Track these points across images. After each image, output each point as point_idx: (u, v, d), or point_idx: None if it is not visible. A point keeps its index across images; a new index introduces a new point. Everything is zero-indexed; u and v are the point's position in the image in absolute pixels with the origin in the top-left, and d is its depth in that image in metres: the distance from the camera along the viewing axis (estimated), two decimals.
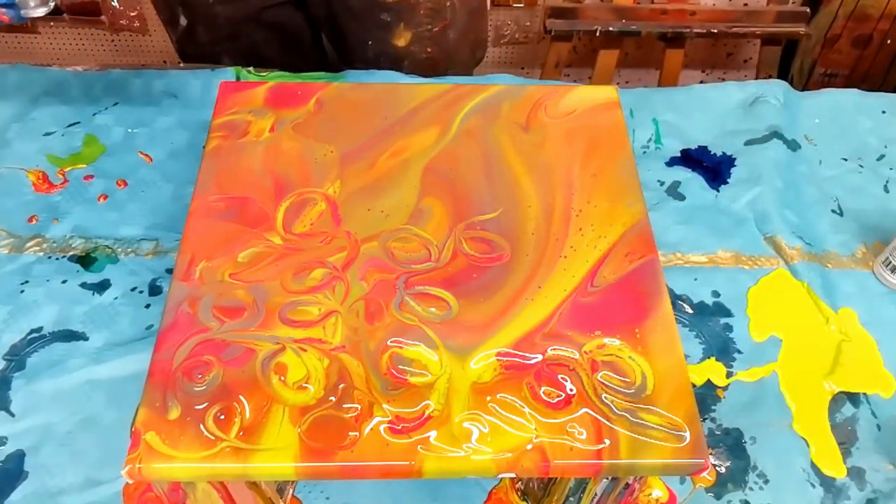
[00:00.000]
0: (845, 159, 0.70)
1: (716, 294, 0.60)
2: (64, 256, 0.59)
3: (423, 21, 0.81)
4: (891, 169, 0.70)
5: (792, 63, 1.19)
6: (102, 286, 0.58)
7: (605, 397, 0.39)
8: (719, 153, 0.70)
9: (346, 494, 0.49)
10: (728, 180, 0.68)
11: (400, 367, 0.39)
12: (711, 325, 0.58)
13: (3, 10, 0.49)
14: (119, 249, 0.60)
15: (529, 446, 0.37)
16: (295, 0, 0.81)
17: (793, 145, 0.71)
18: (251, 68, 0.73)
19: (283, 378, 0.39)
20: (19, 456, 0.50)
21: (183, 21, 0.81)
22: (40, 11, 0.51)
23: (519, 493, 0.49)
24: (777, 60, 1.12)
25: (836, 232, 0.65)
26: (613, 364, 0.40)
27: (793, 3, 1.10)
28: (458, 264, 0.44)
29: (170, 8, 0.81)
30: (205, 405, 0.37)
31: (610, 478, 0.41)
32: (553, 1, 1.14)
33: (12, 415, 0.51)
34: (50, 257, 0.59)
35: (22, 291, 0.57)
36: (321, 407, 0.38)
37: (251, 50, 0.83)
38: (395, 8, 0.79)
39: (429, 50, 0.84)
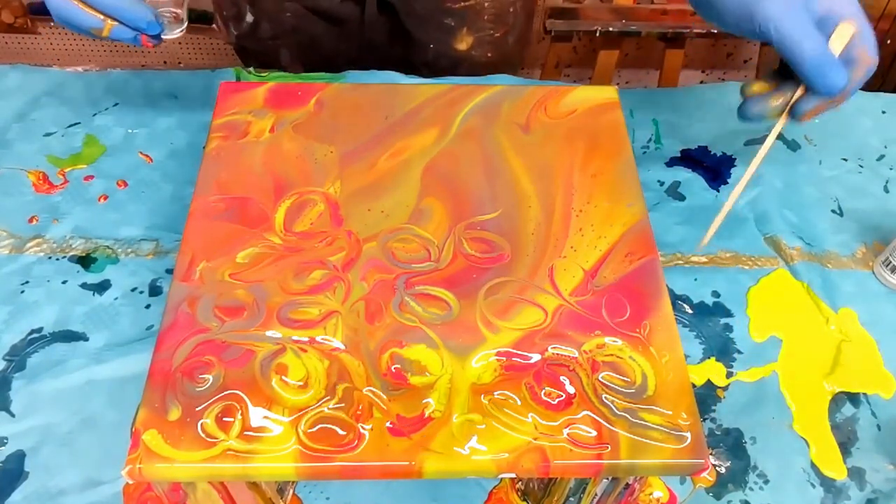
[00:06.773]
0: (845, 159, 0.70)
1: (716, 294, 0.60)
2: (64, 257, 0.59)
3: (486, 26, 0.81)
4: (891, 169, 0.70)
5: None
6: (102, 286, 0.58)
7: (606, 397, 0.39)
8: (719, 153, 0.70)
9: (346, 494, 0.49)
10: (728, 180, 0.68)
11: (400, 367, 0.39)
12: (711, 325, 0.58)
13: (147, 38, 0.53)
14: (119, 250, 0.60)
15: (529, 447, 0.37)
16: None
17: (793, 145, 0.71)
18: (251, 69, 0.73)
19: (283, 378, 0.39)
20: (20, 456, 0.50)
21: (249, 18, 0.81)
22: (178, 33, 0.55)
23: (519, 493, 0.49)
24: (777, 60, 1.12)
25: (836, 232, 0.65)
26: (613, 364, 0.40)
27: None
28: (458, 264, 0.44)
29: (236, 5, 0.81)
30: (205, 405, 0.37)
31: (610, 478, 0.41)
32: (553, 1, 1.14)
33: (12, 415, 0.51)
34: (50, 258, 0.59)
35: (22, 292, 0.57)
36: (321, 407, 0.38)
37: (310, 43, 0.83)
38: (460, 13, 0.79)
39: (489, 54, 0.84)
